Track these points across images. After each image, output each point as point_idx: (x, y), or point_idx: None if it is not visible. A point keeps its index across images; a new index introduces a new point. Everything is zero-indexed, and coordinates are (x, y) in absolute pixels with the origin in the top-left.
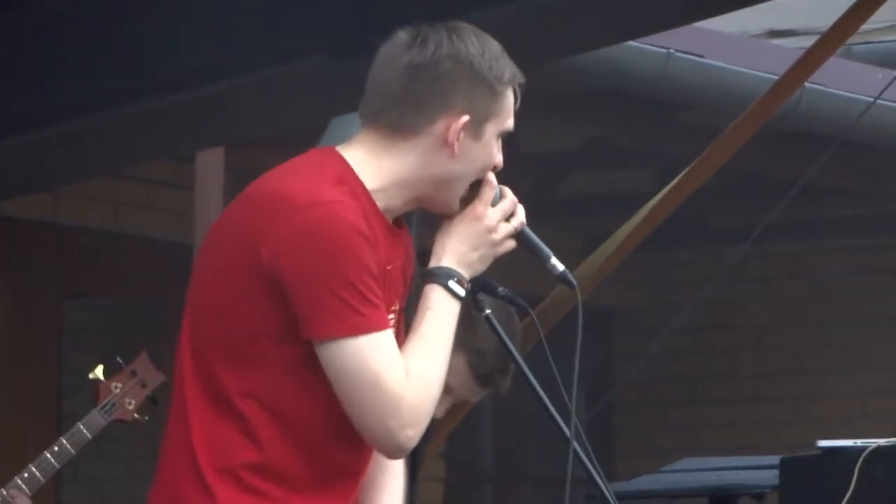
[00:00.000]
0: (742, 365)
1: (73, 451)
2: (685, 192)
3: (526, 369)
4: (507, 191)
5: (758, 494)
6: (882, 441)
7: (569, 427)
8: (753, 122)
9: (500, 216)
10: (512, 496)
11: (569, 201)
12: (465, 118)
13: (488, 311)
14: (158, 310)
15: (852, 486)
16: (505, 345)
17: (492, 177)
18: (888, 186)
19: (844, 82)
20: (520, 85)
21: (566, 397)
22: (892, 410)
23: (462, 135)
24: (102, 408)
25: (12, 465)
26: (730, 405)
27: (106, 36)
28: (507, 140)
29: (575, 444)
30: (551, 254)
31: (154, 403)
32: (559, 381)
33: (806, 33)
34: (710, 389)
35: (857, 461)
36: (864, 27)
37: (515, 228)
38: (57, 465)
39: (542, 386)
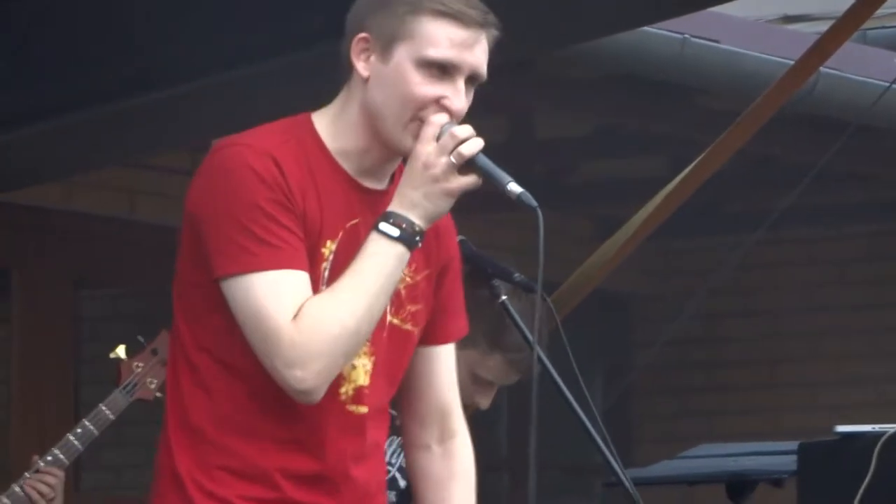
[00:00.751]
0: (759, 351)
1: (95, 432)
2: (700, 178)
3: (543, 355)
4: (458, 127)
5: (776, 480)
6: None
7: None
8: (769, 108)
9: (436, 151)
10: (528, 483)
11: (584, 187)
12: (361, 34)
13: (504, 297)
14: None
15: (871, 471)
16: (520, 329)
17: (436, 116)
18: None
19: (860, 67)
20: (455, 13)
21: (579, 376)
22: None
23: (372, 57)
24: (124, 388)
25: (29, 455)
26: (747, 391)
27: (118, 25)
28: (523, 125)
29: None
30: (509, 179)
31: None
32: (575, 365)
33: (821, 18)
34: (727, 375)
35: (875, 446)
36: (879, 12)
37: (454, 161)
38: (80, 448)
39: (559, 371)
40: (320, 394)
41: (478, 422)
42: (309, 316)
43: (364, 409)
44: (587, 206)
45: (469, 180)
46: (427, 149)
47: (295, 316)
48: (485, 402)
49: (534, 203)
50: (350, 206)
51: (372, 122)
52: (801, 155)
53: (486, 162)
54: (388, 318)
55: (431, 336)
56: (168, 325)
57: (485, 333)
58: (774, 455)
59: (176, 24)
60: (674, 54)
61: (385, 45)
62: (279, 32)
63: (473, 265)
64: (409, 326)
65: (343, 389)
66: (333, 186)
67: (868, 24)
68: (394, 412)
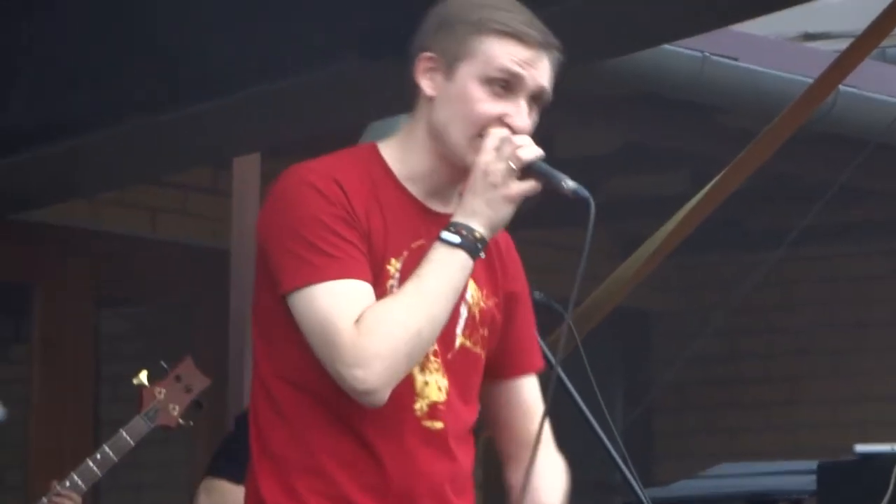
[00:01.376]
0: (779, 368)
1: (115, 458)
2: (721, 196)
3: (559, 370)
4: (513, 136)
5: (795, 500)
6: None
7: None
8: (788, 125)
9: (492, 158)
10: None
11: (605, 205)
12: (427, 53)
13: None
14: (195, 316)
15: (889, 491)
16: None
17: (497, 130)
18: None
19: (879, 85)
20: (517, 33)
21: (598, 393)
22: None
23: (439, 77)
24: (146, 414)
25: (50, 474)
26: (767, 409)
27: (140, 43)
28: (543, 143)
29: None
30: (565, 177)
31: (200, 408)
32: (594, 384)
33: (840, 36)
34: (747, 393)
35: (894, 466)
36: None
37: (511, 165)
38: (99, 473)
39: (578, 390)
40: (383, 396)
41: None
42: (369, 318)
43: (440, 425)
44: (608, 223)
45: (528, 185)
46: (486, 157)
47: (357, 320)
48: None
49: (587, 194)
50: (416, 228)
51: (438, 140)
52: (821, 173)
53: (542, 166)
54: (460, 338)
55: (507, 369)
56: (190, 348)
57: None
58: (794, 475)
59: (200, 42)
60: (693, 72)
61: (449, 64)
62: (302, 49)
63: None
64: (478, 349)
65: (418, 405)
66: (399, 208)
67: (887, 41)
68: None
